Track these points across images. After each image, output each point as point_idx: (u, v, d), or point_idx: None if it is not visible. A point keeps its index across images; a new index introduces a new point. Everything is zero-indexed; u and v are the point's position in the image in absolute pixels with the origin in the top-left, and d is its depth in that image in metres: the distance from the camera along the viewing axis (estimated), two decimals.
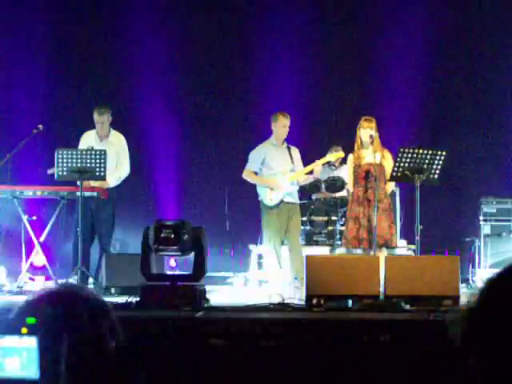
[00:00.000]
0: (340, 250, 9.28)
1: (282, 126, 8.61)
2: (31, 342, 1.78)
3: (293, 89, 10.98)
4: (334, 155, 9.07)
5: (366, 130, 7.97)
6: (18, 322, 1.80)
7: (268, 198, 8.52)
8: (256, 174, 8.69)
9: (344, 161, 9.93)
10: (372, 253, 7.71)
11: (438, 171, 7.41)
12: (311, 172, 8.65)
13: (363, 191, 8.01)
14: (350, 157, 8.27)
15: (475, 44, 11.16)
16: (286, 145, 8.73)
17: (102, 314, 1.86)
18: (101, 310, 1.87)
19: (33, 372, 1.78)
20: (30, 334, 1.78)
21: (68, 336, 1.77)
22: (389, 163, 7.92)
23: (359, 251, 8.01)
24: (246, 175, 8.74)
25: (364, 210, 7.91)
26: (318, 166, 8.61)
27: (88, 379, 1.80)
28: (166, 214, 11.08)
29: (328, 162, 9.37)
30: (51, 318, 1.79)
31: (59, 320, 1.79)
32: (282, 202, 8.53)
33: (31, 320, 1.78)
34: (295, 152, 8.77)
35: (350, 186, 8.44)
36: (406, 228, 9.56)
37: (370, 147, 7.99)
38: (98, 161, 8.20)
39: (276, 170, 8.63)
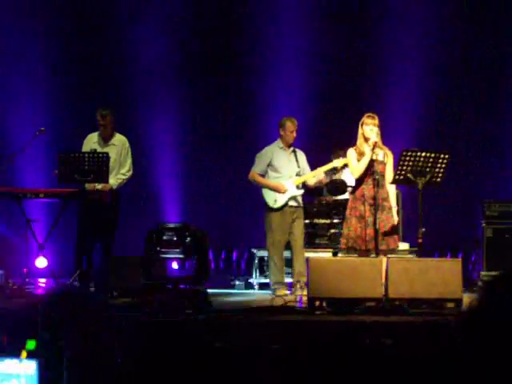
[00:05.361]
0: (342, 253, 9.27)
1: (289, 131, 8.64)
2: (31, 367, 1.76)
3: (298, 91, 10.97)
4: (341, 161, 9.04)
5: (369, 127, 7.73)
6: (19, 331, 1.80)
7: (273, 200, 8.52)
8: (262, 176, 8.69)
9: (345, 165, 9.92)
10: (374, 255, 7.54)
11: (440, 174, 7.37)
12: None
13: (367, 189, 7.71)
14: (351, 151, 7.91)
15: (482, 43, 11.12)
16: (292, 148, 8.73)
17: (104, 315, 1.86)
18: (104, 312, 1.87)
19: None
20: (29, 358, 1.76)
21: (70, 337, 1.77)
22: (390, 162, 7.75)
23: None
24: (252, 177, 8.73)
25: (370, 209, 7.53)
26: (323, 171, 8.63)
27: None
28: (168, 216, 11.06)
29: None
30: (54, 320, 1.79)
31: (62, 321, 1.79)
32: (286, 205, 8.53)
33: (31, 344, 1.77)
34: (301, 156, 8.77)
35: (354, 174, 7.79)
36: (408, 230, 9.53)
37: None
38: (100, 163, 8.20)
39: (282, 174, 8.63)
